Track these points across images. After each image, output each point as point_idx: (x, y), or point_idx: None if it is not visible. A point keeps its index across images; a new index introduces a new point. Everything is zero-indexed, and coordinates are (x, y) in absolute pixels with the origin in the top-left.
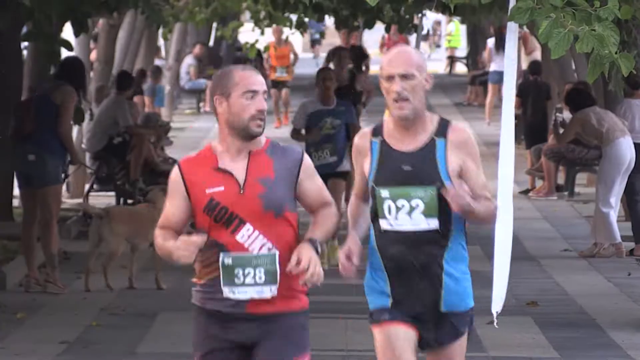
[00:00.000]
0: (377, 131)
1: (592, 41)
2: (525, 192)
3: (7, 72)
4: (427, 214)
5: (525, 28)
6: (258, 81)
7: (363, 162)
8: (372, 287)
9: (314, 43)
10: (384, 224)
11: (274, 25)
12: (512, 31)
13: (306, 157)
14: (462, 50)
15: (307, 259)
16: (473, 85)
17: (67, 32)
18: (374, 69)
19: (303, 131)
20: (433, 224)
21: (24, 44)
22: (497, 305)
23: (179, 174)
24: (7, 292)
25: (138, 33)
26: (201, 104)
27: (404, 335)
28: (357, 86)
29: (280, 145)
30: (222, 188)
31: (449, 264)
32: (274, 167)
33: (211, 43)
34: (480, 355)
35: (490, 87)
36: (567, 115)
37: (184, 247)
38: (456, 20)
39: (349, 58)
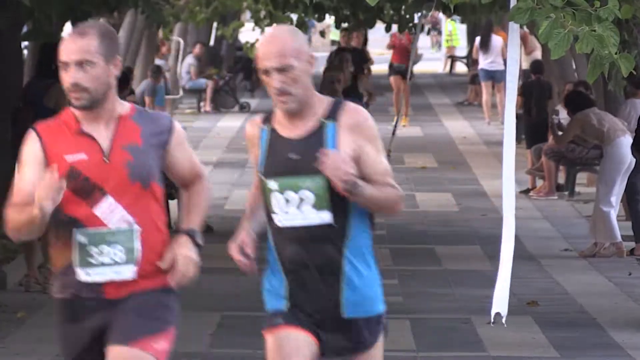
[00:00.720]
0: (267, 118)
1: (592, 41)
2: (526, 191)
3: (7, 72)
4: (318, 206)
5: (525, 28)
6: (70, 50)
7: (255, 152)
8: (269, 289)
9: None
10: (275, 220)
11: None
12: (514, 31)
13: (177, 124)
14: (462, 50)
15: (181, 258)
16: (473, 84)
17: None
18: (376, 68)
19: None
20: (326, 217)
21: (24, 43)
22: (497, 306)
23: (37, 140)
24: (8, 292)
25: (138, 32)
26: (201, 104)
27: (295, 337)
28: (360, 88)
29: (148, 111)
30: (84, 156)
31: (351, 264)
32: (142, 134)
33: (212, 42)
34: (480, 354)
35: (482, 85)
36: (563, 116)
37: (43, 191)
38: (454, 19)
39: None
